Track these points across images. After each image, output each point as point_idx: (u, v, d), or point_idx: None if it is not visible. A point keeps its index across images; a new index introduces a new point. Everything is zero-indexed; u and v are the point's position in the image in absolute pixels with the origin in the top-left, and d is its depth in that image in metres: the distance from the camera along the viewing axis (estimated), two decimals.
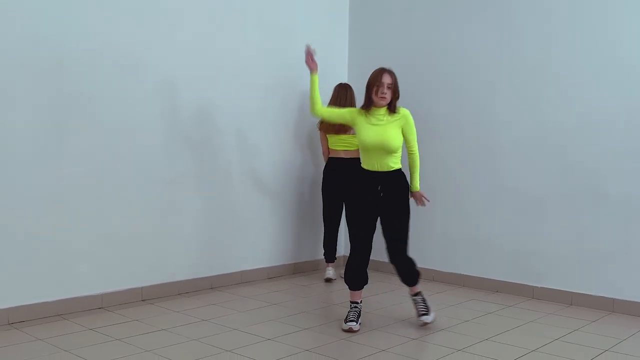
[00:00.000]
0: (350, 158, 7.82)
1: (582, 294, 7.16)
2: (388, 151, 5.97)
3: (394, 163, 6.05)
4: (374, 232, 6.13)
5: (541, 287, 7.48)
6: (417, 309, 6.27)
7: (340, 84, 8.11)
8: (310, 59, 6.09)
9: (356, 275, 6.15)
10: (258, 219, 8.25)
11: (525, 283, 7.63)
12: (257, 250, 8.28)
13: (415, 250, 8.28)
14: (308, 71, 6.13)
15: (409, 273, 6.26)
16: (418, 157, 6.18)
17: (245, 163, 8.06)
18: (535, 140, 7.50)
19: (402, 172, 6.16)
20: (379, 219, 6.15)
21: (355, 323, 6.04)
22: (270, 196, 8.40)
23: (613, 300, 6.93)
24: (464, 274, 8.19)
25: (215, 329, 6.09)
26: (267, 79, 8.22)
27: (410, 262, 6.23)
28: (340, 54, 9.29)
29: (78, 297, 6.54)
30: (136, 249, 7.00)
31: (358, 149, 6.33)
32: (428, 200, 6.24)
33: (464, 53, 8.14)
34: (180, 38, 7.30)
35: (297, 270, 8.76)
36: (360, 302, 6.23)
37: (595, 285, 7.08)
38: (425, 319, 6.18)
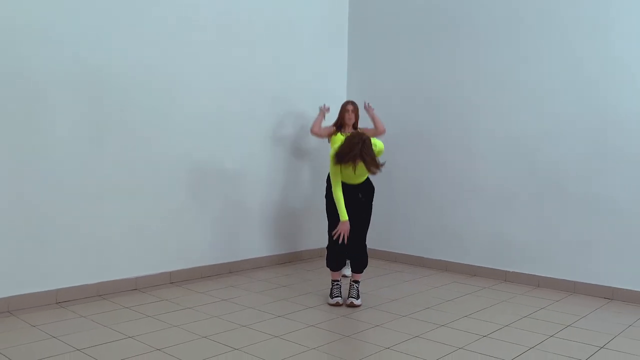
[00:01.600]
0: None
1: (548, 277, 7.22)
2: (360, 181, 6.36)
3: (363, 177, 6.33)
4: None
5: (512, 272, 7.54)
6: (350, 292, 6.42)
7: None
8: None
9: (338, 259, 6.41)
10: (265, 213, 8.28)
11: (498, 268, 7.69)
12: (267, 239, 8.31)
13: (405, 240, 8.45)
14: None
15: (362, 260, 6.46)
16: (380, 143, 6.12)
17: (256, 166, 8.10)
18: (507, 146, 7.56)
19: (370, 180, 6.45)
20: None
21: (340, 298, 6.36)
22: (276, 193, 8.43)
23: (574, 282, 6.99)
24: (446, 260, 8.24)
25: (233, 307, 6.13)
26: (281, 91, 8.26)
27: (365, 250, 6.48)
28: (339, 74, 9.29)
29: (115, 280, 6.61)
30: (164, 239, 7.05)
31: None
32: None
33: (446, 72, 8.17)
34: (205, 55, 7.35)
35: (301, 257, 8.82)
36: (340, 280, 6.52)
37: (559, 270, 7.14)
38: (355, 301, 6.32)
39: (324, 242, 8.77)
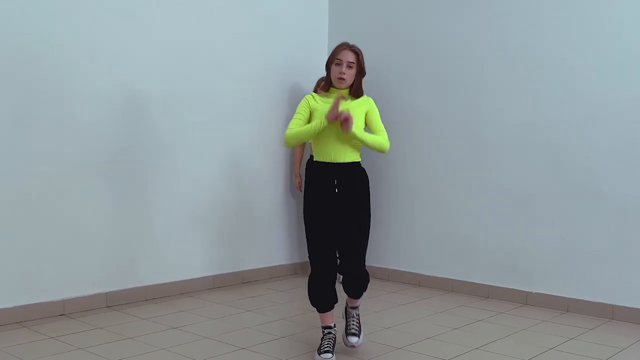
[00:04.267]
0: None
1: (579, 299, 7.15)
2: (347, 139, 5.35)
3: (353, 153, 5.44)
4: (334, 237, 5.47)
5: (535, 293, 7.47)
6: (348, 324, 5.66)
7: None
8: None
9: (326, 292, 5.48)
10: (223, 221, 8.25)
11: (517, 288, 7.62)
12: (227, 253, 8.30)
13: (399, 253, 8.45)
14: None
15: (359, 279, 5.51)
16: (387, 140, 5.45)
17: (229, 165, 8.12)
18: (524, 137, 7.52)
19: (362, 167, 5.61)
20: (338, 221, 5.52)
21: (331, 355, 5.40)
22: (236, 197, 8.43)
23: (612, 306, 6.93)
24: (452, 278, 8.19)
25: (184, 337, 6.08)
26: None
27: (363, 265, 5.50)
28: (319, 46, 9.29)
29: (38, 304, 6.52)
30: (99, 253, 6.99)
31: None
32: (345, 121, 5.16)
33: (448, 48, 8.17)
34: (155, 30, 7.38)
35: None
36: (334, 326, 5.58)
37: (593, 290, 7.07)
38: (353, 340, 5.58)
39: (298, 257, 8.78)
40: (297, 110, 5.45)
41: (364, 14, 8.97)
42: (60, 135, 6.61)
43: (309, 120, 5.39)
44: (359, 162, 5.50)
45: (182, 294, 7.69)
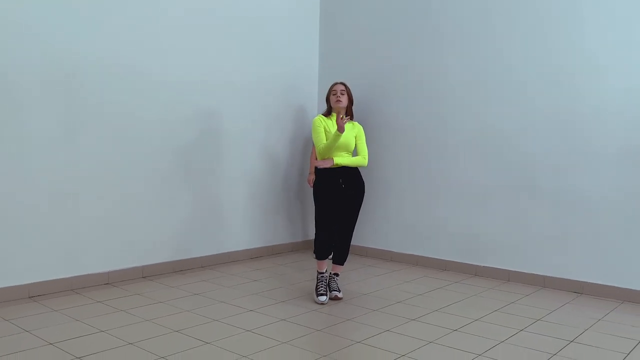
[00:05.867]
0: None
1: (518, 271, 7.25)
2: (348, 150, 6.23)
3: (351, 159, 6.23)
4: (336, 212, 6.24)
5: (483, 266, 7.57)
6: (332, 285, 6.41)
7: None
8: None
9: (325, 247, 6.22)
10: (238, 208, 8.28)
11: (469, 262, 7.72)
12: (240, 233, 8.31)
13: (376, 234, 8.42)
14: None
15: (345, 251, 6.43)
16: (366, 160, 6.30)
17: (230, 160, 8.08)
18: (479, 141, 7.57)
19: (359, 170, 6.36)
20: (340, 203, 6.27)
21: (326, 297, 6.20)
22: (250, 187, 8.42)
23: (544, 277, 7.03)
24: (417, 254, 8.25)
25: (204, 301, 6.13)
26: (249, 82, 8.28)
27: (349, 242, 6.43)
28: (311, 63, 9.30)
29: (88, 275, 6.60)
30: (137, 233, 7.04)
31: None
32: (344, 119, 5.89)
33: (418, 68, 8.18)
34: (180, 46, 7.37)
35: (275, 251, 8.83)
36: (326, 271, 6.37)
37: (529, 264, 7.17)
38: (339, 294, 6.35)
39: (298, 236, 8.83)
40: (317, 131, 6.19)
41: (351, 36, 8.94)
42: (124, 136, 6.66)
43: (326, 134, 6.22)
44: (357, 169, 6.33)
45: (202, 267, 7.73)
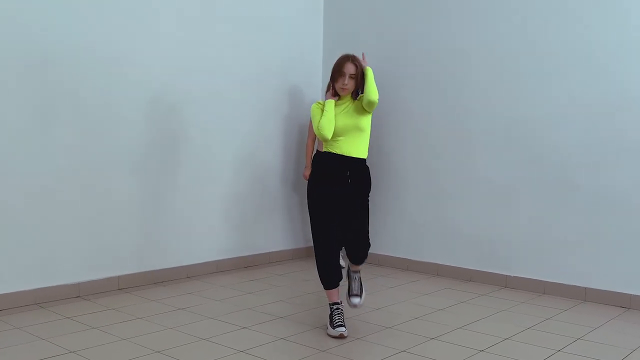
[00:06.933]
0: None
1: (555, 282, 7.16)
2: (360, 131, 5.62)
3: (363, 151, 5.68)
4: (337, 220, 5.69)
5: (514, 276, 7.48)
6: (350, 286, 5.88)
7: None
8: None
9: (332, 268, 5.63)
10: (229, 210, 8.25)
11: (497, 272, 7.63)
12: (230, 239, 8.28)
13: (388, 239, 8.41)
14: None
15: (362, 250, 5.78)
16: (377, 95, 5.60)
17: (222, 157, 8.08)
18: (505, 133, 7.51)
19: (368, 167, 5.80)
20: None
21: (344, 328, 5.53)
22: (240, 188, 8.40)
23: (585, 289, 6.94)
24: (437, 262, 8.18)
25: (190, 317, 6.08)
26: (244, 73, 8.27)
27: (367, 238, 5.79)
28: (314, 44, 9.32)
29: (55, 286, 6.52)
30: (113, 239, 6.99)
31: None
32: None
33: (436, 47, 8.13)
34: (163, 32, 7.35)
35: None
36: (341, 302, 5.73)
37: (567, 274, 7.08)
38: (355, 301, 5.81)
39: (299, 242, 8.77)
40: (315, 113, 5.64)
41: (358, 15, 8.93)
42: (84, 130, 6.63)
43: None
44: (365, 159, 5.71)
45: (187, 277, 7.70)
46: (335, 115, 5.57)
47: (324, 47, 9.30)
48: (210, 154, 7.92)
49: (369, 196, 5.81)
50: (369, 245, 5.81)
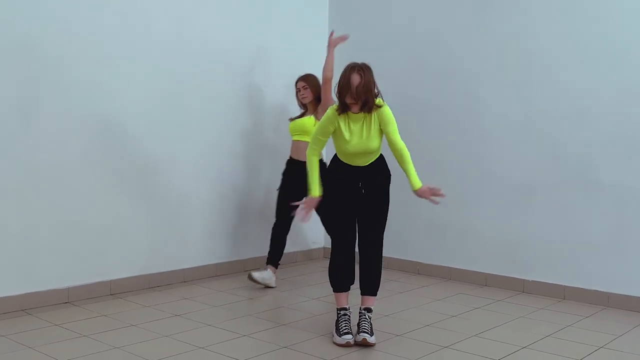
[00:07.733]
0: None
1: (576, 287, 7.17)
2: (370, 153, 5.69)
3: (374, 156, 5.78)
4: (355, 224, 5.80)
5: (532, 281, 7.49)
6: (361, 325, 5.67)
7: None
8: None
9: (343, 273, 5.76)
10: (223, 213, 8.26)
11: (515, 276, 7.64)
12: (228, 242, 8.30)
13: (399, 241, 8.39)
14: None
15: (374, 275, 5.78)
16: (406, 150, 5.67)
17: (220, 154, 8.10)
18: (524, 127, 7.52)
19: (383, 158, 5.86)
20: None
21: (351, 335, 5.57)
22: (236, 191, 8.41)
23: (608, 294, 6.95)
24: (450, 266, 8.20)
25: (186, 324, 6.09)
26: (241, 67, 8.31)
27: (380, 260, 5.84)
28: (320, 39, 9.12)
29: (43, 291, 6.53)
30: (103, 241, 6.99)
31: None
32: (442, 196, 5.70)
33: (449, 38, 8.15)
34: (155, 25, 7.36)
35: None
36: (349, 308, 5.79)
37: (589, 278, 7.09)
38: (369, 338, 5.57)
39: (301, 246, 8.75)
40: (322, 124, 5.76)
41: (364, 6, 8.93)
42: (64, 127, 6.62)
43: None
44: (380, 155, 5.81)
45: (183, 282, 7.69)
46: (349, 133, 5.61)
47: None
48: (207, 154, 7.95)
49: (388, 200, 5.92)
50: (379, 261, 5.82)
